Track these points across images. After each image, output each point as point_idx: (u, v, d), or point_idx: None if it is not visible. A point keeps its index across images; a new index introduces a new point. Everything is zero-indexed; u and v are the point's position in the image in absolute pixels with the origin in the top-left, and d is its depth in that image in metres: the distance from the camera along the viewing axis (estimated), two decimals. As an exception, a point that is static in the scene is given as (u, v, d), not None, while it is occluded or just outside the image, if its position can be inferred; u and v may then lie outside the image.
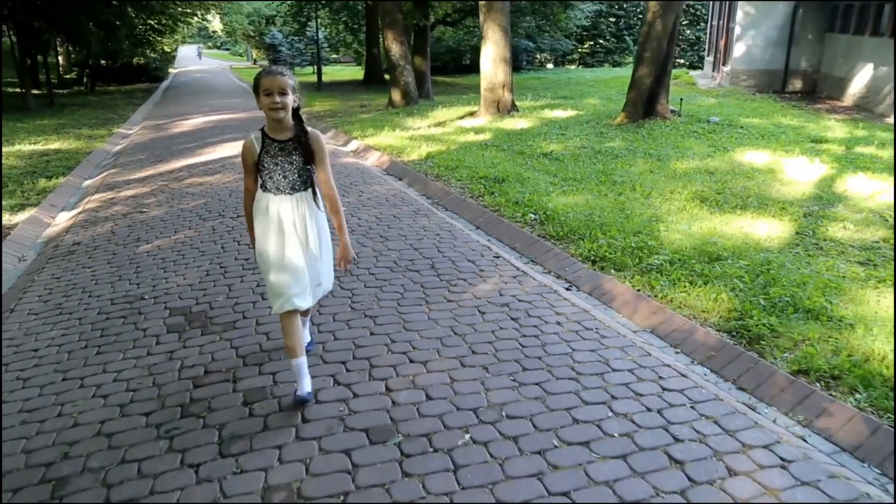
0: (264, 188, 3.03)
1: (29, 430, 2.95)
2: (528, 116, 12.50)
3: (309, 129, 3.00)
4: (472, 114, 13.25)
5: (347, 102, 17.56)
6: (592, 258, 5.03)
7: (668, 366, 3.42)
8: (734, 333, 3.82)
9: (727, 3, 20.13)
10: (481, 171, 7.84)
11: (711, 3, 23.71)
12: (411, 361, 3.44)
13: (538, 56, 34.61)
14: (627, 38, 36.64)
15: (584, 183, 7.22)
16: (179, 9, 27.98)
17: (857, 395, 3.15)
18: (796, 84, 18.50)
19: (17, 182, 8.44)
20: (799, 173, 7.62)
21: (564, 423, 2.86)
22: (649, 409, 2.98)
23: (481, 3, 12.90)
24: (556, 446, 2.71)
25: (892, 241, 5.35)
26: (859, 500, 2.42)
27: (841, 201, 6.48)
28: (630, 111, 11.68)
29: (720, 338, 3.77)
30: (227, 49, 69.53)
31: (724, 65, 20.28)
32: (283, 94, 2.86)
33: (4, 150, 10.92)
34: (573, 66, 37.04)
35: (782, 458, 2.65)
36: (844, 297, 4.19)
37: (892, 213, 6.04)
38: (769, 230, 5.59)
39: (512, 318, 3.95)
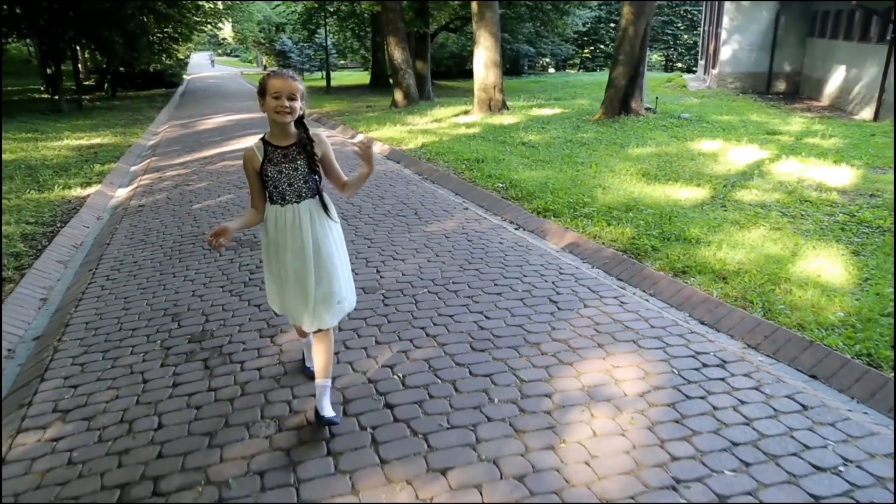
0: (270, 200, 2.88)
1: (147, 296, 4.58)
2: (516, 114, 13.95)
3: (311, 131, 2.89)
4: (466, 112, 14.71)
5: (354, 104, 19.17)
6: (539, 210, 6.60)
7: (570, 263, 5.01)
8: (626, 252, 5.37)
9: (716, 8, 21.33)
10: (465, 154, 9.41)
11: (704, 8, 24.95)
12: (394, 259, 5.09)
13: (539, 61, 36.08)
14: (625, 43, 37.98)
15: (550, 163, 8.77)
16: (195, 18, 29.63)
17: (692, 279, 4.70)
18: (780, 86, 19.59)
19: (78, 167, 10.12)
20: (739, 157, 8.93)
21: (488, 286, 4.48)
22: (545, 280, 4.59)
23: (473, 12, 14.39)
24: (479, 294, 4.33)
25: (787, 202, 6.80)
26: (660, 318, 3.99)
27: (761, 176, 7.93)
28: (607, 108, 12.98)
29: (615, 253, 5.33)
30: (238, 56, 71.59)
31: (713, 68, 21.41)
32: (293, 98, 2.74)
33: (57, 143, 12.65)
34: (574, 71, 38.53)
35: (622, 303, 4.23)
36: (718, 232, 5.72)
37: (795, 184, 7.45)
38: (688, 194, 7.09)
39: (468, 241, 5.56)
